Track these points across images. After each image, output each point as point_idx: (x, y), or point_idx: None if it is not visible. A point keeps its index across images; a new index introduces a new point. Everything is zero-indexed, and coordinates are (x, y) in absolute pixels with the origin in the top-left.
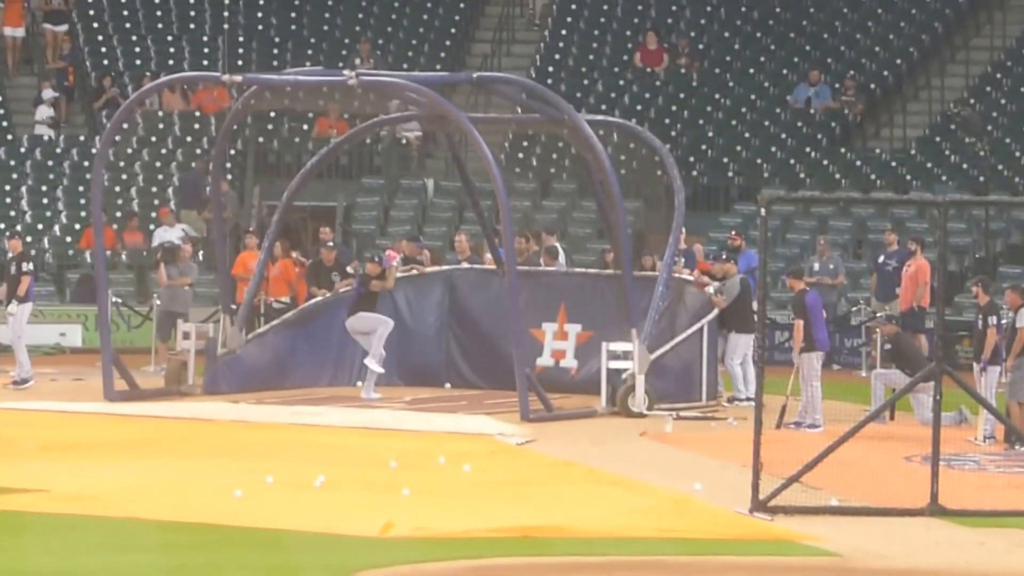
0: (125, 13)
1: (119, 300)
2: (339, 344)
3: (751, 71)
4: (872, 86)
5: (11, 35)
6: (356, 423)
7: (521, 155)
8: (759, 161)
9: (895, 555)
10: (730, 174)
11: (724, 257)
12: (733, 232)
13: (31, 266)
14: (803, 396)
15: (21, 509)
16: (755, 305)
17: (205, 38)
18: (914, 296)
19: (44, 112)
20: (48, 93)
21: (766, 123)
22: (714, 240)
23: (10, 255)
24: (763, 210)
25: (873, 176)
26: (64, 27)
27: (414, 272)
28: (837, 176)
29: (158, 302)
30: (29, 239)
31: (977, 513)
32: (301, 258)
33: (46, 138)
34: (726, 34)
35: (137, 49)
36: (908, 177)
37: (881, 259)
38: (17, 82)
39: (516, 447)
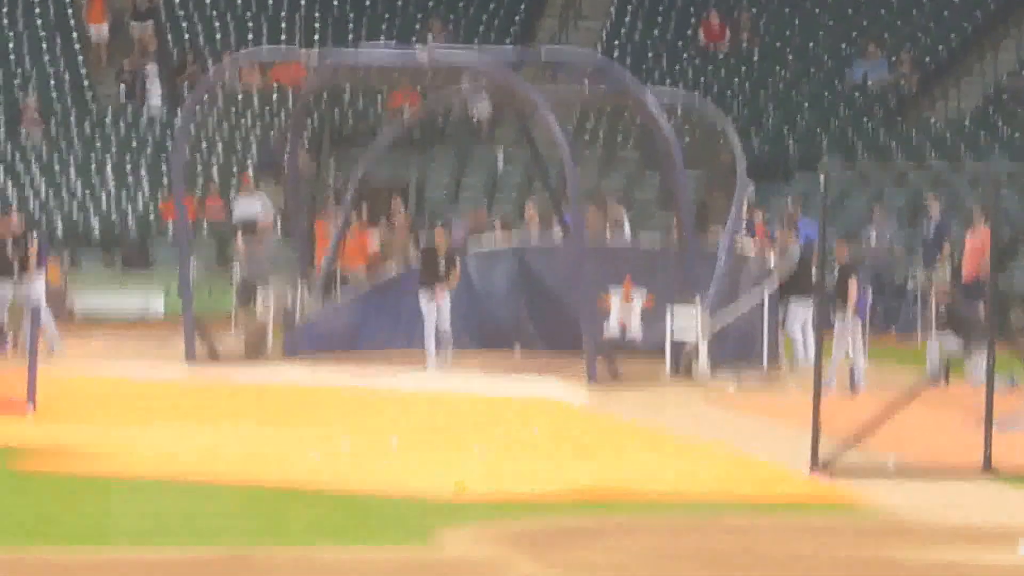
0: None
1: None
2: (412, 310)
3: (810, 45)
4: (927, 60)
5: (96, 32)
6: (428, 386)
7: (589, 125)
8: (817, 132)
9: (951, 515)
10: (788, 145)
11: (783, 226)
12: (789, 202)
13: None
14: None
15: (104, 473)
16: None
17: (283, 14)
18: (978, 266)
19: (155, 94)
20: (152, 68)
21: (824, 95)
22: (773, 208)
23: (16, 232)
24: (822, 178)
25: (928, 147)
26: (150, 23)
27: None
28: (893, 147)
29: (238, 269)
30: (112, 210)
31: None
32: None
33: (162, 117)
34: (786, 10)
35: (217, 24)
36: (963, 148)
37: (925, 227)
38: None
39: (584, 410)
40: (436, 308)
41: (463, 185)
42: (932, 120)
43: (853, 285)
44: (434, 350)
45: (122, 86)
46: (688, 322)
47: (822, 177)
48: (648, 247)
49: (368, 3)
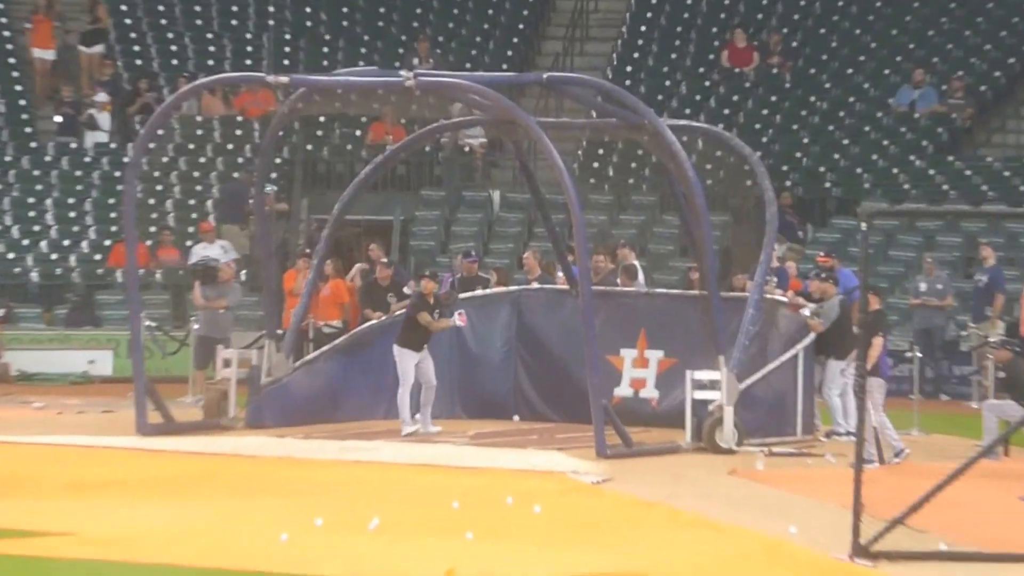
0: (161, 8)
1: (153, 324)
2: (395, 373)
3: (849, 71)
4: (982, 88)
5: (40, 57)
6: (414, 459)
7: (596, 164)
8: (858, 170)
9: None
10: (827, 184)
11: (822, 276)
12: (822, 254)
13: None
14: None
15: (46, 554)
16: (855, 329)
17: (248, 35)
18: None
19: (103, 125)
20: (102, 97)
21: (866, 128)
22: (810, 258)
23: None
24: (864, 224)
25: (984, 187)
26: (100, 48)
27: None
28: (944, 187)
29: (196, 327)
30: (54, 257)
31: None
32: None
33: (112, 145)
34: (821, 30)
35: (174, 48)
36: (1022, 188)
37: (976, 276)
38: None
39: (591, 486)
40: (420, 368)
41: (453, 233)
42: (988, 156)
43: (877, 343)
44: (409, 414)
45: (60, 118)
46: (711, 384)
47: (863, 222)
48: (665, 299)
49: (347, 23)
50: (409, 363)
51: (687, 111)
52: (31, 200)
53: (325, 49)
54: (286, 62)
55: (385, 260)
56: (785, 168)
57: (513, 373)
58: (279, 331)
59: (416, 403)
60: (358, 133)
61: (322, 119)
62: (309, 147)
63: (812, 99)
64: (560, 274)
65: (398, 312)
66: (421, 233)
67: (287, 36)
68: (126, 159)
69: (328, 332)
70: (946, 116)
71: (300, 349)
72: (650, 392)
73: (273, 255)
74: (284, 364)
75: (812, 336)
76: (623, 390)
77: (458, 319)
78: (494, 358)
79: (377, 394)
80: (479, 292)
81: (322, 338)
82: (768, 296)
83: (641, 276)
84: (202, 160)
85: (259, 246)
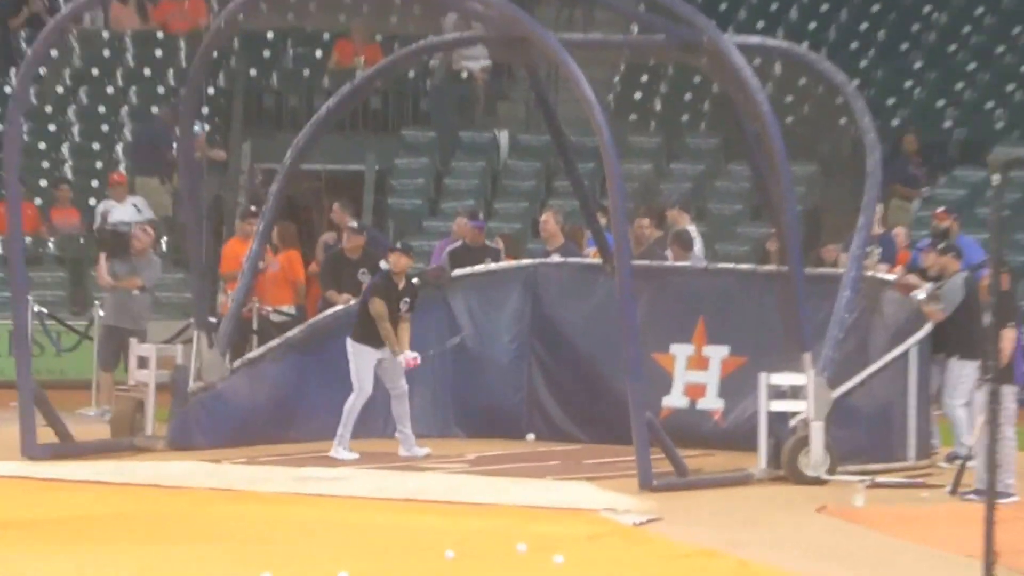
0: None
1: (44, 310)
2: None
3: None
4: None
5: None
6: (393, 493)
7: (639, 96)
8: (988, 105)
9: None
10: (946, 124)
11: (940, 246)
12: (940, 210)
13: None
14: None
15: None
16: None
17: None
18: None
19: None
20: None
21: (998, 50)
22: (922, 221)
23: None
24: (995, 177)
25: None
26: None
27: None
28: None
29: (101, 313)
30: None
31: None
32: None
33: None
34: None
35: None
36: None
37: None
38: None
39: (631, 528)
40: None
41: (446, 188)
42: None
43: (1009, 336)
44: (347, 437)
45: None
46: (793, 392)
47: (994, 173)
48: (731, 278)
49: None
50: (366, 363)
51: (760, 25)
52: None
53: None
54: None
55: (355, 225)
56: (891, 102)
57: (526, 377)
58: (212, 319)
59: (372, 418)
60: (318, 55)
61: (270, 35)
62: (253, 72)
63: (926, 9)
64: (590, 244)
65: None
66: (403, 188)
67: None
68: (7, 89)
69: (278, 321)
70: None
71: (241, 344)
72: (711, 402)
73: (204, 218)
74: (219, 364)
75: (929, 327)
76: (675, 399)
77: (405, 361)
78: (500, 357)
79: (343, 403)
80: (483, 268)
81: (270, 329)
82: (869, 274)
83: (698, 246)
84: (110, 91)
85: (185, 206)
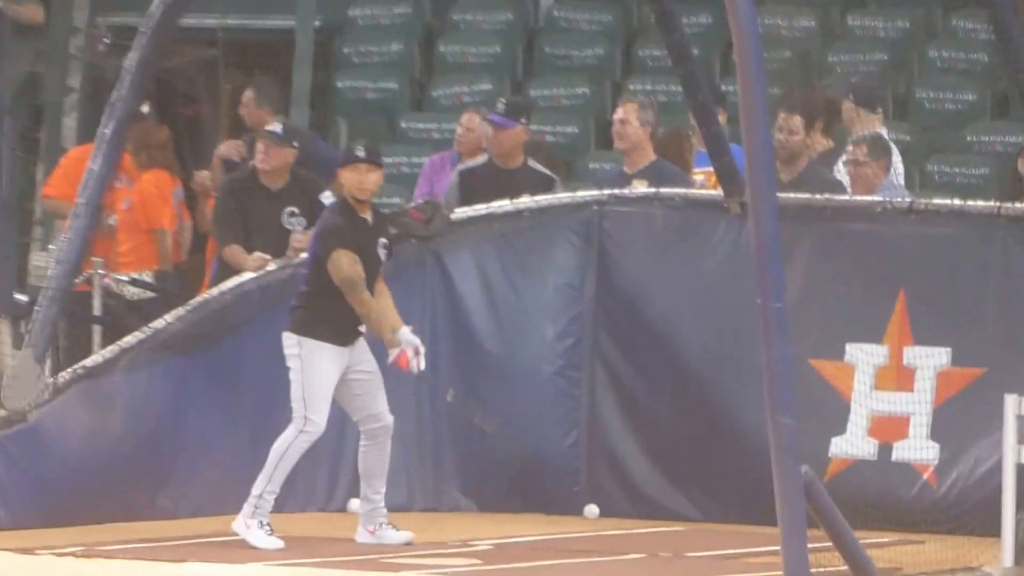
0: None
1: None
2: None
3: None
4: None
5: None
6: None
7: None
8: None
9: None
10: None
11: None
12: None
13: None
14: None
15: None
16: None
17: None
18: None
19: None
20: None
21: None
22: None
23: None
24: None
25: None
26: None
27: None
28: None
29: None
30: None
31: None
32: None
33: None
34: None
35: None
36: None
37: None
38: None
39: None
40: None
41: (440, 60)
42: None
43: None
44: (263, 508)
45: None
46: None
47: None
48: (956, 224)
49: None
50: (321, 376)
51: None
52: None
53: None
54: None
55: (277, 128)
56: None
57: (584, 404)
58: (21, 297)
59: (312, 474)
60: None
61: None
62: None
63: None
64: (700, 161)
65: (304, 254)
66: (364, 60)
67: None
68: None
69: (136, 299)
70: None
71: (75, 337)
72: (918, 449)
73: (5, 113)
74: (32, 378)
75: None
76: (854, 443)
77: (401, 353)
78: (539, 368)
79: (260, 445)
80: (512, 205)
81: (124, 314)
82: None
83: (899, 162)
84: None
85: None
